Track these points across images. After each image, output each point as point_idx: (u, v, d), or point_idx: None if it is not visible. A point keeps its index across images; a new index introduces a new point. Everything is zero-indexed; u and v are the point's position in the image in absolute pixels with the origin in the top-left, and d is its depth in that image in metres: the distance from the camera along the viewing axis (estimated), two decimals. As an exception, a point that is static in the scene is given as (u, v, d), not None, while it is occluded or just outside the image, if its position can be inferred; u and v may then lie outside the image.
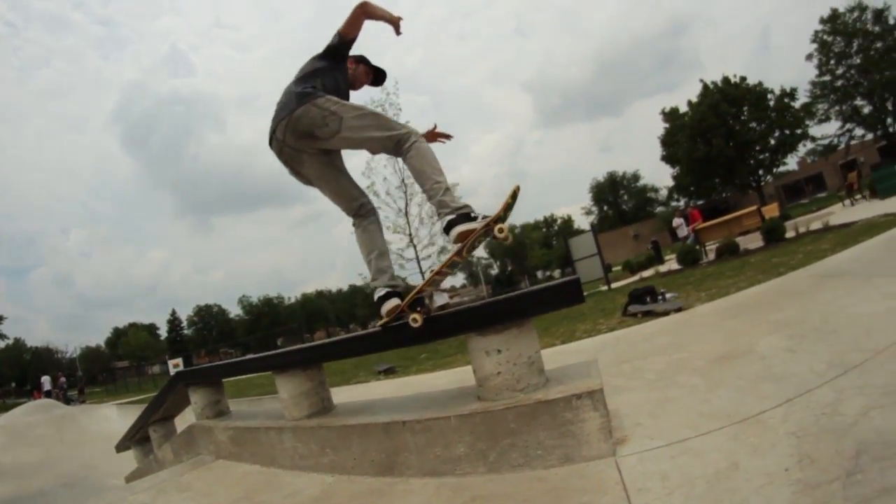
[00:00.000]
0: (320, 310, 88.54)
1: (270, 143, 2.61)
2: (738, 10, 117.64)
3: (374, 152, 2.72)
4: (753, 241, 11.43)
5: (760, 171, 38.83)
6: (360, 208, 2.75)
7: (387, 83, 15.20)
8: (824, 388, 2.04)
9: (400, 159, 2.60)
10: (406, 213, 14.57)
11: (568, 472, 1.87)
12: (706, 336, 3.85)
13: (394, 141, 2.52)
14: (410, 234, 14.55)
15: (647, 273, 14.10)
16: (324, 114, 2.46)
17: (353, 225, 2.76)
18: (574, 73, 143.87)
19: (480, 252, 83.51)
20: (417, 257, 14.46)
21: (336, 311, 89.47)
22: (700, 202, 25.01)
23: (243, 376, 8.12)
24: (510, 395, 2.15)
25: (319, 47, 2.78)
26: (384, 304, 2.52)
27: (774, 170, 40.47)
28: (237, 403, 7.14)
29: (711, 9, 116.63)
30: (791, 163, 42.38)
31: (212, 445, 3.53)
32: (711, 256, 11.38)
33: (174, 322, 76.65)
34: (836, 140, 40.77)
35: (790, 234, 10.45)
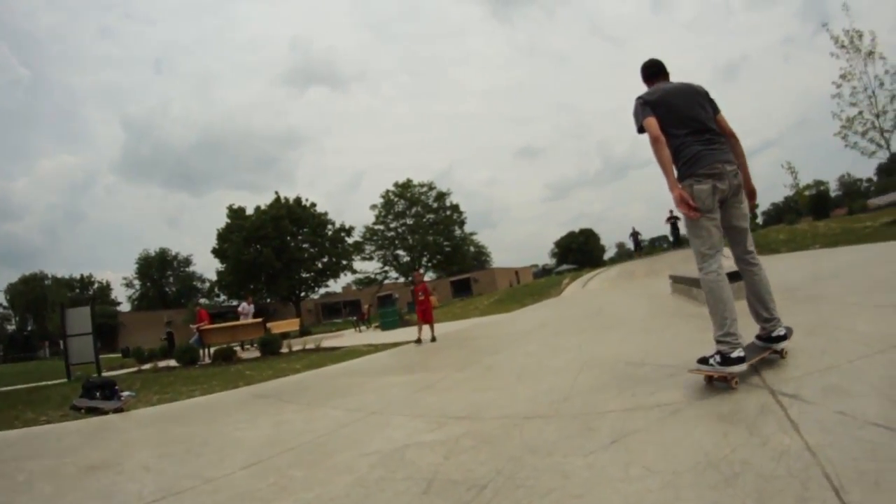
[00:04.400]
0: None
1: (715, 162, 2.97)
2: (349, 151, 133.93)
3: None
4: (255, 351, 12.66)
5: (303, 287, 44.29)
6: (713, 257, 2.97)
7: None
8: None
9: None
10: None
11: None
12: (105, 444, 4.15)
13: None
14: None
15: (149, 365, 13.58)
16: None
17: (715, 273, 2.91)
18: (178, 133, 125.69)
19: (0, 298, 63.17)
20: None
21: None
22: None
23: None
24: None
25: None
26: (739, 365, 2.72)
27: (316, 289, 46.94)
28: None
29: (325, 140, 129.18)
30: (337, 286, 50.11)
31: None
32: (209, 360, 12.00)
33: None
34: (374, 276, 51.09)
35: (285, 350, 12.15)
